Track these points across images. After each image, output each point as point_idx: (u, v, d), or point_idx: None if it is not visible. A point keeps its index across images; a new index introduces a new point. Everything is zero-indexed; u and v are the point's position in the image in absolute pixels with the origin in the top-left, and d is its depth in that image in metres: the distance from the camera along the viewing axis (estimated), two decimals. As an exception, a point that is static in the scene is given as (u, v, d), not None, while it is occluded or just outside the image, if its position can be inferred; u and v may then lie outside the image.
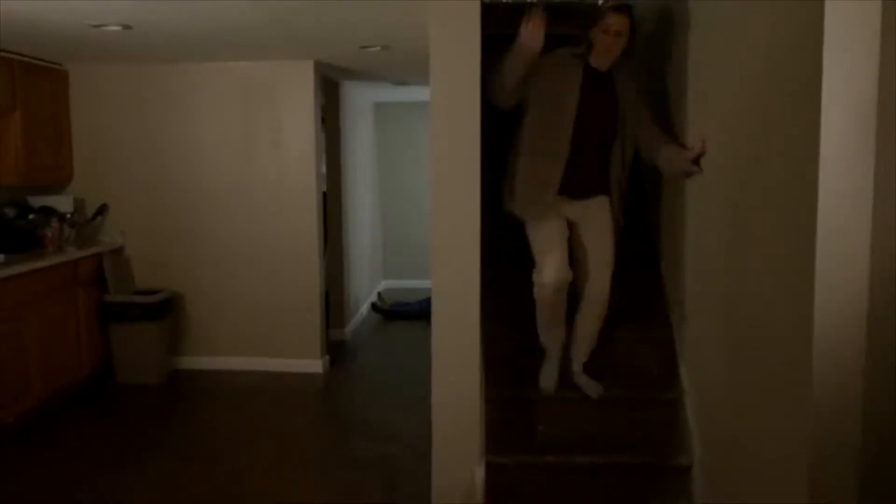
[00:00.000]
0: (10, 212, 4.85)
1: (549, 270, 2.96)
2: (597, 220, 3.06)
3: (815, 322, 1.88)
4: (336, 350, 5.76)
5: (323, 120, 5.67)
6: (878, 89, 1.79)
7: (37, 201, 5.03)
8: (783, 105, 2.08)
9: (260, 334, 5.34)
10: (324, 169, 5.78)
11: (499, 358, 3.21)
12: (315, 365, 5.32)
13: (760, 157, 2.25)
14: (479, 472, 2.92)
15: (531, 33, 2.73)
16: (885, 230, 1.86)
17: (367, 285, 7.38)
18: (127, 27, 3.83)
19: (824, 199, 1.84)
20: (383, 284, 8.16)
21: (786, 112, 2.06)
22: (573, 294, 3.09)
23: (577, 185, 2.98)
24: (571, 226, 3.06)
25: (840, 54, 1.80)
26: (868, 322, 1.87)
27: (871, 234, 1.85)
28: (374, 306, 7.23)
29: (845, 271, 1.87)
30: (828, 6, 1.78)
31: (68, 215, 5.05)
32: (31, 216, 4.91)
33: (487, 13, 3.35)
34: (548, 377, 3.16)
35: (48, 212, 4.99)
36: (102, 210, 5.29)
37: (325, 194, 5.77)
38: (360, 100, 7.11)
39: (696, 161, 2.78)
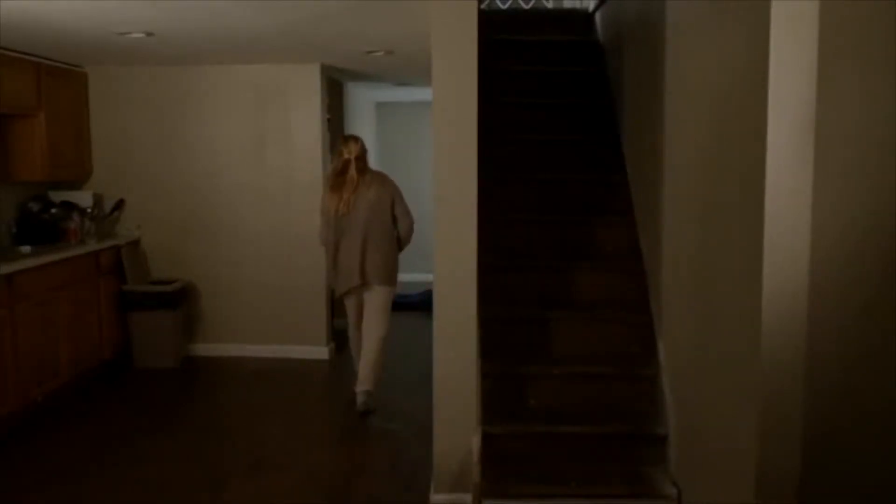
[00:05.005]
0: (34, 206, 5.15)
1: None
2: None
3: (763, 309, 2.15)
4: (341, 338, 6.04)
5: (328, 119, 5.97)
6: (815, 104, 2.08)
7: (58, 196, 5.32)
8: (737, 118, 2.36)
9: (269, 322, 5.64)
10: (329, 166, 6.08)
11: (494, 337, 3.51)
12: (321, 352, 5.63)
13: (721, 162, 2.55)
14: (476, 441, 3.21)
15: None
16: (824, 227, 2.15)
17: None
18: (149, 34, 4.12)
19: (770, 201, 2.11)
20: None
21: (739, 125, 2.34)
22: None
23: None
24: None
25: (783, 75, 2.08)
26: (808, 314, 2.16)
27: (810, 232, 2.13)
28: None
29: (789, 263, 2.12)
30: (773, 35, 2.07)
31: (88, 210, 5.34)
32: (53, 210, 5.20)
33: (487, 20, 3.65)
34: None
35: (69, 206, 5.28)
36: (120, 205, 5.58)
37: (330, 190, 6.07)
38: (362, 100, 7.41)
39: None
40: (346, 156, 4.26)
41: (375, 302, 4.35)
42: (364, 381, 4.37)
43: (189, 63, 5.39)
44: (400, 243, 4.38)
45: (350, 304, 4.47)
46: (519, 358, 3.50)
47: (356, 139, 4.36)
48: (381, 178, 4.38)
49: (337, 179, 4.29)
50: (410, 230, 4.35)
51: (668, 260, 3.30)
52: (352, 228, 4.26)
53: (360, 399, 4.36)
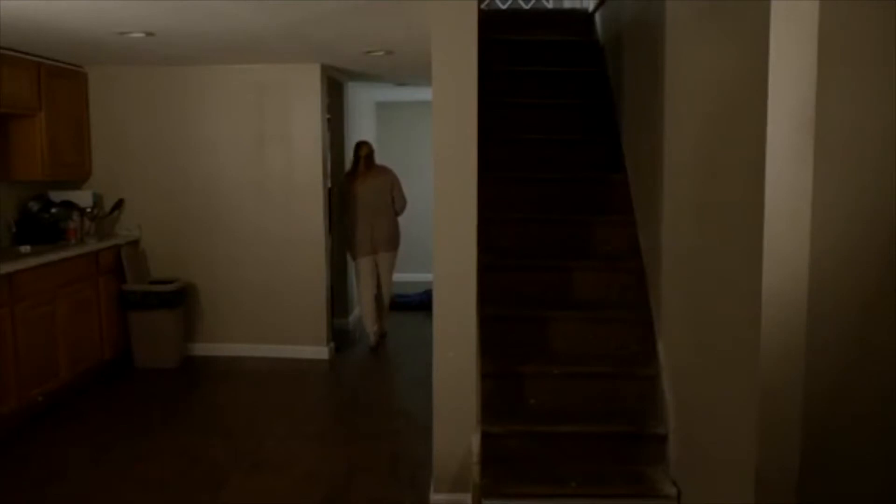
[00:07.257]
0: (34, 206, 5.15)
1: None
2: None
3: (763, 308, 2.15)
4: (340, 338, 6.05)
5: (328, 119, 5.97)
6: (815, 104, 2.08)
7: (58, 196, 5.32)
8: (737, 118, 2.37)
9: (269, 322, 5.64)
10: (329, 166, 6.08)
11: (493, 337, 3.51)
12: (321, 351, 5.62)
13: (721, 162, 2.55)
14: (476, 441, 3.20)
15: None
16: (823, 226, 2.15)
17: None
18: (149, 34, 4.12)
19: (770, 201, 2.12)
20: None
21: (739, 125, 2.35)
22: None
23: None
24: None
25: (783, 75, 2.08)
26: (808, 314, 2.16)
27: (810, 231, 2.13)
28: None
29: (789, 262, 2.14)
30: (773, 35, 2.07)
31: (88, 209, 5.34)
32: (53, 210, 5.20)
33: (487, 20, 3.64)
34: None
35: (69, 206, 5.28)
36: (119, 205, 5.58)
37: (330, 190, 6.07)
38: (362, 99, 7.41)
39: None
40: (359, 155, 5.75)
41: (385, 264, 5.87)
42: (378, 323, 5.93)
43: (189, 63, 5.39)
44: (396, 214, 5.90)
45: (364, 264, 5.82)
46: (519, 357, 3.50)
47: (366, 143, 5.88)
48: (385, 171, 5.85)
49: (352, 174, 5.83)
50: (403, 209, 5.88)
51: (667, 259, 3.31)
52: (363, 209, 5.68)
53: (373, 338, 5.90)
